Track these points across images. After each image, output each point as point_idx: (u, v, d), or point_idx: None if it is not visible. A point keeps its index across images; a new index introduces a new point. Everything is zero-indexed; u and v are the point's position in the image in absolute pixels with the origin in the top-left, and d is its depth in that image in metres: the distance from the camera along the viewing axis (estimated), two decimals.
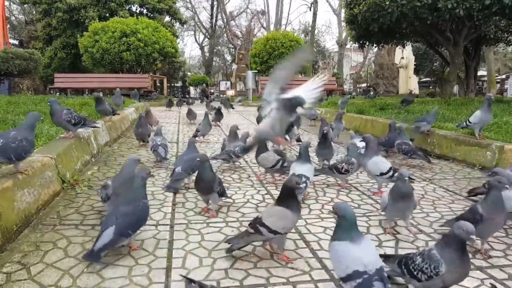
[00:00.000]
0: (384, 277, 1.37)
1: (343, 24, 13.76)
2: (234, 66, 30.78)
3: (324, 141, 3.56)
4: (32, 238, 2.00)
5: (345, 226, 1.44)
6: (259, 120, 6.13)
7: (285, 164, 3.07)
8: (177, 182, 2.84)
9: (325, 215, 2.42)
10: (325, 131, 3.54)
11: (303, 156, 2.67)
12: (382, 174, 2.80)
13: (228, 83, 32.25)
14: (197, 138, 5.02)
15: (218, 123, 6.96)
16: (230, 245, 1.84)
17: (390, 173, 2.77)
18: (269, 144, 3.49)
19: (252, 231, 1.80)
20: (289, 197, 1.81)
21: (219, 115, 6.90)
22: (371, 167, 2.84)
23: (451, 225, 1.54)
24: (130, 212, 1.81)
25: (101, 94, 4.66)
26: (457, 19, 7.79)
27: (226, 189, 2.96)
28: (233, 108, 10.39)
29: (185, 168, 2.84)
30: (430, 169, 3.79)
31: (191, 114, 7.19)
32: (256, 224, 1.78)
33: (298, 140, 5.01)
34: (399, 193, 2.12)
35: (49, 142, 3.27)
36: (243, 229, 2.18)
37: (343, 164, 2.99)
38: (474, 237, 1.41)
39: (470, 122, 3.86)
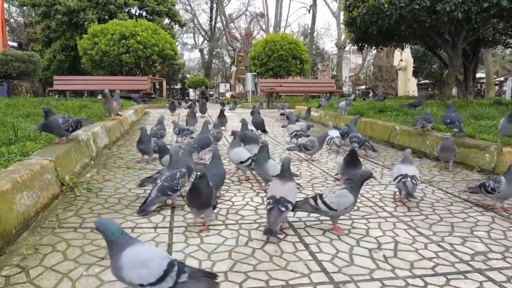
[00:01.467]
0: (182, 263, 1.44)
1: (342, 26, 13.79)
2: (234, 68, 30.86)
3: (352, 159, 3.12)
4: (31, 241, 2.00)
5: (117, 237, 1.35)
6: (254, 123, 6.11)
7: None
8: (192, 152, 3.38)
9: (324, 217, 2.42)
10: (355, 147, 3.18)
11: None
12: (241, 162, 3.20)
13: (228, 85, 32.30)
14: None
15: (222, 128, 6.44)
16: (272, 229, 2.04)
17: (249, 162, 3.19)
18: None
19: (284, 209, 2.08)
20: (289, 170, 2.24)
21: (222, 118, 6.43)
22: (232, 156, 3.28)
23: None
24: (218, 173, 2.63)
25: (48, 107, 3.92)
26: (455, 22, 7.83)
27: (225, 191, 2.98)
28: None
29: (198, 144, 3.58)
30: (429, 171, 3.79)
31: (193, 119, 6.38)
32: (284, 203, 2.09)
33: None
34: None
35: (48, 145, 3.27)
36: (242, 231, 2.19)
37: (490, 182, 2.63)
38: None
39: None
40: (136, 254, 1.33)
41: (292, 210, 2.23)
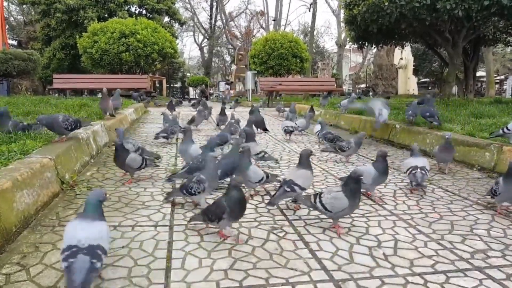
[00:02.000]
0: (95, 253, 1.45)
1: (342, 24, 13.79)
2: (234, 67, 30.82)
3: (383, 164, 2.78)
4: (31, 239, 2.00)
5: (85, 208, 1.61)
6: (254, 122, 6.10)
7: (148, 163, 3.20)
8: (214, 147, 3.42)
9: (324, 216, 2.42)
10: (385, 153, 2.84)
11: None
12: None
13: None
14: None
15: (222, 126, 6.25)
16: (271, 200, 2.50)
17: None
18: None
19: (288, 189, 2.44)
20: (307, 161, 2.55)
21: (223, 116, 6.41)
22: (192, 153, 3.30)
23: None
24: (228, 162, 2.89)
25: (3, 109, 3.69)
26: (456, 20, 7.82)
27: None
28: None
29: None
30: (429, 170, 3.79)
31: (196, 121, 6.37)
32: (291, 184, 2.44)
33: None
34: None
35: (48, 143, 3.27)
36: (242, 230, 2.19)
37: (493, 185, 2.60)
38: None
39: (509, 130, 3.60)
40: (69, 226, 1.58)
41: (295, 201, 2.55)
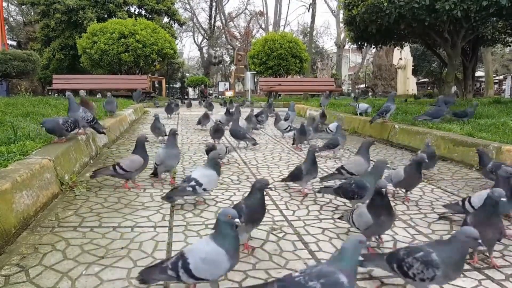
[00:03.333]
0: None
1: (342, 25, 13.78)
2: (233, 67, 30.83)
3: (416, 170, 2.62)
4: (31, 240, 2.00)
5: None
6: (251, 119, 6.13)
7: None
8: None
9: (323, 216, 2.43)
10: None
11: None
12: (157, 165, 3.18)
13: (227, 84, 32.28)
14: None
15: (226, 127, 6.14)
16: (320, 187, 2.81)
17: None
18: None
19: (336, 172, 2.96)
20: (365, 150, 3.01)
21: (228, 115, 6.44)
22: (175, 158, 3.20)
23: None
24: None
25: None
26: (454, 20, 7.83)
27: (224, 190, 2.99)
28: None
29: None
30: (428, 170, 3.79)
31: (207, 119, 6.64)
32: (340, 168, 2.96)
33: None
34: None
35: (47, 144, 3.27)
36: None
37: None
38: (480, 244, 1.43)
39: None
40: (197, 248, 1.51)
41: (340, 217, 2.27)
